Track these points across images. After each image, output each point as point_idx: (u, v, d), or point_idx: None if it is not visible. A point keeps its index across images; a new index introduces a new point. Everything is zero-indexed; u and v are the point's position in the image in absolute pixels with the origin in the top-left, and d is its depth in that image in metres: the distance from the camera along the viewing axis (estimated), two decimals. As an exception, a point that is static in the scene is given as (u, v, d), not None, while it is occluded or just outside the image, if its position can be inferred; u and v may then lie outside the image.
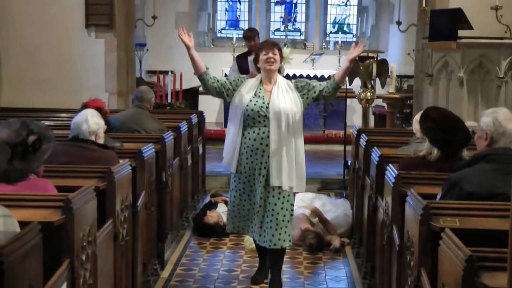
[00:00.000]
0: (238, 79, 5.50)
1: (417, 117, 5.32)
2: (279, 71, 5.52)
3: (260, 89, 5.38)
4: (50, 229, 3.22)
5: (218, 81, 5.39)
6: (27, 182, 3.71)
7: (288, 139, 5.28)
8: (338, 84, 5.38)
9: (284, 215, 5.32)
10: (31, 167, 3.72)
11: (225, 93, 5.40)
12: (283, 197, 5.34)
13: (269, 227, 5.31)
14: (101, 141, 5.04)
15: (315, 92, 5.40)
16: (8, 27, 8.90)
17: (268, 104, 5.29)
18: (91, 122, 4.94)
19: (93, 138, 4.94)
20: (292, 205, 5.41)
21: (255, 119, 5.30)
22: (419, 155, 4.72)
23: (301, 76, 13.54)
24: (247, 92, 5.34)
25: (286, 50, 5.52)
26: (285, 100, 5.27)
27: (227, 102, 5.51)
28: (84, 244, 3.59)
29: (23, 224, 2.90)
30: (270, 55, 5.30)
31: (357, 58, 9.59)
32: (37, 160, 3.71)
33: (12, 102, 8.81)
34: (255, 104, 5.29)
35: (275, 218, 5.30)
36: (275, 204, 5.32)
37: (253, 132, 5.32)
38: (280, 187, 5.31)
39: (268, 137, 5.27)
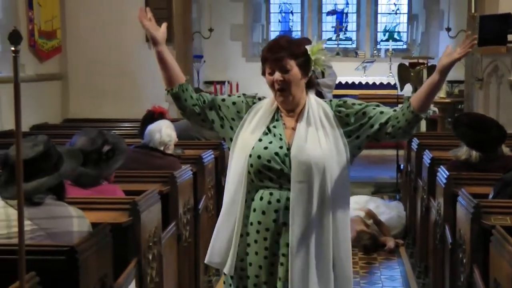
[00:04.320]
0: (244, 100, 3.18)
1: None
2: (310, 84, 3.18)
3: (277, 120, 3.13)
4: (119, 230, 3.41)
5: (204, 101, 3.13)
6: (99, 187, 3.92)
7: (324, 213, 3.03)
8: (416, 112, 3.02)
9: None
10: (103, 174, 3.93)
11: (216, 123, 3.16)
12: None
13: None
14: (170, 152, 5.14)
15: (372, 126, 3.07)
16: (75, 42, 9.21)
17: (288, 149, 3.04)
18: (164, 133, 5.08)
19: (162, 148, 5.08)
20: None
21: (264, 175, 3.04)
22: (459, 159, 4.76)
23: (353, 84, 13.71)
24: (254, 127, 3.10)
25: (314, 48, 3.09)
26: (319, 143, 3.03)
27: (227, 144, 3.23)
28: (150, 244, 3.78)
29: (94, 225, 3.13)
30: (277, 76, 3.03)
31: (407, 64, 9.83)
32: (108, 168, 3.92)
33: (79, 113, 9.18)
34: (266, 148, 3.03)
35: None
36: None
37: (262, 198, 3.07)
38: None
39: (288, 208, 3.02)
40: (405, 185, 7.67)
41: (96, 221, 3.24)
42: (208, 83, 14.16)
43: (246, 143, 3.08)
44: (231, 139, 3.15)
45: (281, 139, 3.08)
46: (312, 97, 3.16)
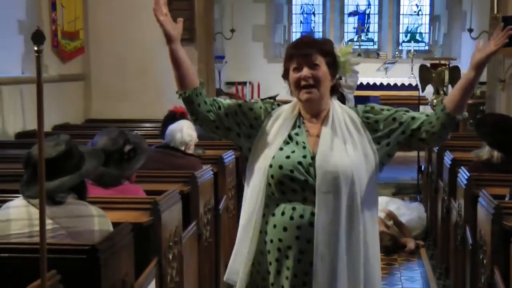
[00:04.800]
0: (262, 106, 2.95)
1: None
2: (335, 88, 2.96)
3: (299, 127, 2.91)
4: (140, 229, 3.43)
5: (219, 107, 2.89)
6: (121, 187, 3.95)
7: (352, 228, 2.80)
8: (452, 114, 2.83)
9: None
10: (125, 173, 3.97)
11: (233, 131, 2.93)
12: None
13: None
14: (190, 152, 5.17)
15: (404, 132, 2.88)
16: (97, 42, 9.24)
17: (313, 158, 2.82)
18: (185, 133, 5.10)
19: (183, 148, 5.10)
20: None
21: (287, 187, 2.81)
22: (481, 159, 4.76)
23: (374, 85, 13.69)
24: (275, 134, 2.88)
25: (342, 49, 2.91)
26: (346, 151, 2.82)
27: (244, 154, 3.01)
28: (171, 244, 3.79)
29: (115, 225, 3.14)
30: (305, 72, 2.82)
31: (429, 65, 9.79)
32: (130, 168, 3.96)
33: (101, 113, 9.22)
34: (288, 158, 2.81)
35: None
36: None
37: (283, 213, 2.83)
38: None
39: (312, 224, 2.79)
40: (426, 186, 7.66)
41: (118, 220, 3.26)
42: (230, 83, 14.19)
43: (265, 153, 2.85)
44: (249, 149, 2.92)
45: (304, 147, 2.85)
46: (336, 103, 2.94)
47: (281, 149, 2.85)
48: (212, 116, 2.89)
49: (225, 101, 2.96)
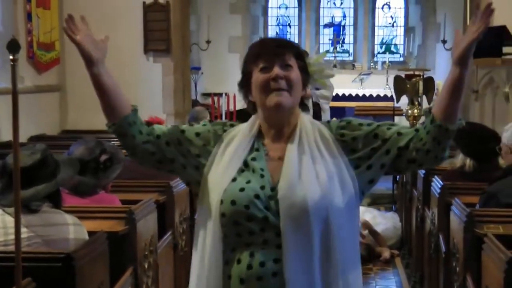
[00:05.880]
0: (211, 129, 2.41)
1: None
2: (303, 103, 2.43)
3: (257, 150, 2.35)
4: (115, 238, 3.44)
5: (157, 136, 2.37)
6: (96, 196, 3.96)
7: (329, 276, 2.23)
8: (443, 124, 2.23)
9: None
10: (101, 183, 3.98)
11: (177, 163, 2.38)
12: None
13: None
14: None
15: (388, 151, 2.30)
16: (73, 54, 9.11)
17: (274, 189, 2.26)
18: None
19: None
20: None
21: (243, 228, 2.24)
22: (455, 167, 4.80)
23: (350, 96, 13.77)
24: (228, 161, 2.32)
25: (315, 58, 2.72)
26: (317, 177, 2.24)
27: (193, 190, 2.52)
28: (146, 253, 3.81)
29: (91, 234, 3.16)
30: (277, 71, 2.28)
31: (403, 76, 9.89)
32: (106, 177, 3.97)
33: (77, 124, 9.20)
34: (242, 190, 2.25)
35: None
36: None
37: (239, 261, 2.25)
38: None
39: (276, 274, 2.21)
40: (401, 196, 7.71)
41: (93, 229, 3.27)
42: (206, 95, 14.19)
43: (216, 186, 2.27)
44: (198, 183, 2.36)
45: (262, 175, 2.28)
46: (305, 117, 2.38)
47: (234, 179, 2.27)
48: (151, 147, 2.36)
49: (165, 127, 2.43)
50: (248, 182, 2.27)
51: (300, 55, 2.37)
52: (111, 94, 2.34)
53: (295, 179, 2.22)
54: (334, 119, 2.47)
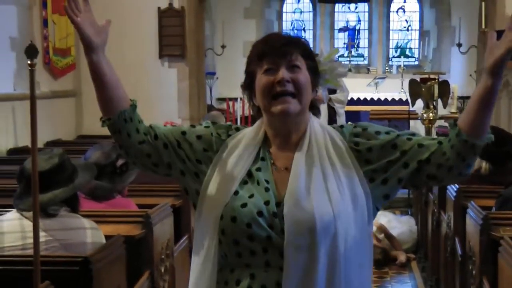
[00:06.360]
0: (214, 131, 2.18)
1: None
2: (313, 106, 2.18)
3: (263, 159, 2.13)
4: (132, 242, 3.46)
5: (155, 136, 2.14)
6: (113, 200, 3.98)
7: None
8: (469, 139, 2.03)
9: None
10: (117, 187, 4.00)
11: (175, 168, 2.15)
12: None
13: None
14: None
15: (407, 165, 2.08)
16: None
17: (279, 204, 2.04)
18: None
19: None
20: None
21: (244, 248, 2.03)
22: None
23: (365, 100, 13.77)
24: (231, 171, 2.10)
25: (326, 55, 2.30)
26: (326, 191, 2.03)
27: (191, 200, 2.19)
28: (163, 256, 3.82)
29: (108, 238, 3.18)
30: (282, 74, 2.05)
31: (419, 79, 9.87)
32: (122, 182, 3.99)
33: (92, 129, 9.24)
34: (244, 206, 2.02)
35: None
36: None
37: (238, 283, 2.06)
38: None
39: None
40: (417, 199, 7.69)
41: (110, 233, 3.29)
42: (221, 99, 14.23)
43: (216, 199, 2.04)
44: (197, 192, 2.12)
45: (267, 188, 2.04)
46: (316, 122, 2.14)
47: (236, 193, 2.05)
48: (147, 148, 2.12)
49: (165, 127, 2.19)
50: (251, 196, 2.03)
51: (309, 53, 2.15)
52: (108, 86, 2.10)
53: (302, 194, 2.00)
54: (349, 123, 2.21)
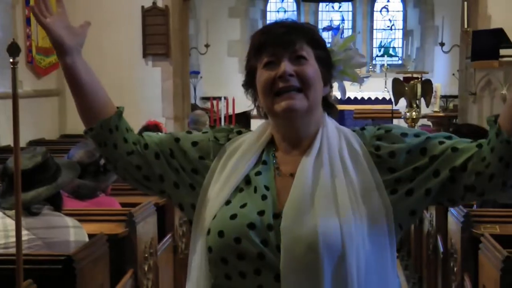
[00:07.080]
0: (211, 136, 1.87)
1: None
2: (327, 103, 1.86)
3: (265, 162, 1.79)
4: (115, 241, 3.46)
5: (145, 145, 1.86)
6: (96, 199, 3.97)
7: None
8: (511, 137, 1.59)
9: None
10: (100, 186, 4.00)
11: (167, 181, 1.84)
12: None
13: None
14: None
15: (438, 173, 1.69)
16: None
17: (277, 215, 1.68)
18: None
19: None
20: None
21: (232, 269, 1.67)
22: None
23: (348, 99, 13.78)
24: (227, 177, 1.77)
25: (341, 43, 1.92)
26: (335, 204, 1.66)
27: (187, 215, 1.88)
28: (146, 255, 3.82)
29: (91, 236, 3.18)
30: (285, 67, 1.71)
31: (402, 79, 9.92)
32: (106, 180, 3.99)
33: (76, 128, 9.21)
34: (233, 217, 1.68)
35: None
36: None
37: None
38: None
39: None
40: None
41: (93, 232, 3.28)
42: (205, 98, 14.24)
43: (208, 211, 1.75)
44: (193, 207, 1.82)
45: (265, 196, 1.72)
46: (331, 123, 1.82)
47: (228, 202, 1.74)
48: (136, 159, 1.85)
49: (157, 135, 1.92)
50: (243, 206, 1.71)
51: (317, 42, 1.81)
52: (87, 91, 1.85)
53: (305, 204, 1.66)
54: (371, 126, 1.85)
